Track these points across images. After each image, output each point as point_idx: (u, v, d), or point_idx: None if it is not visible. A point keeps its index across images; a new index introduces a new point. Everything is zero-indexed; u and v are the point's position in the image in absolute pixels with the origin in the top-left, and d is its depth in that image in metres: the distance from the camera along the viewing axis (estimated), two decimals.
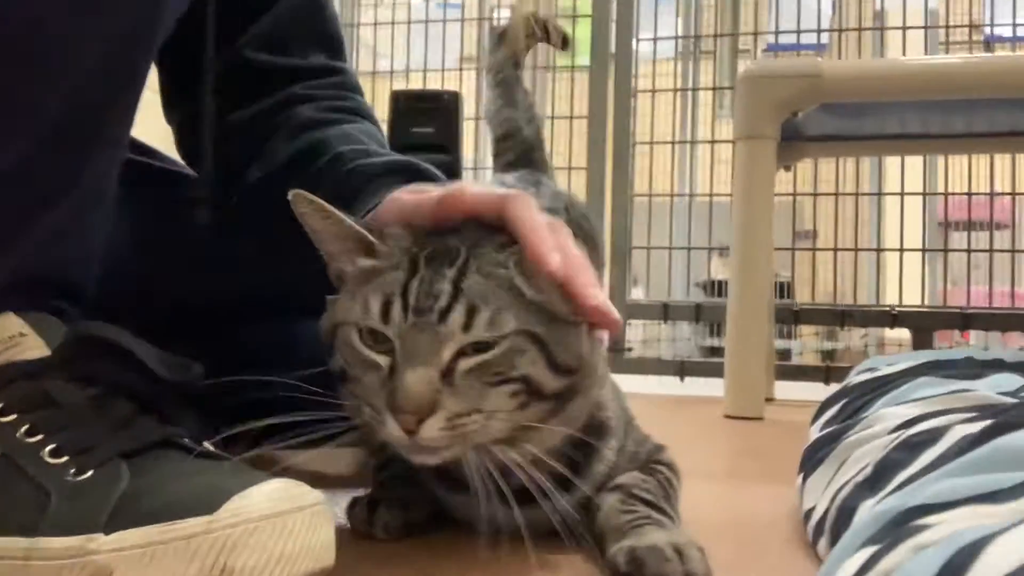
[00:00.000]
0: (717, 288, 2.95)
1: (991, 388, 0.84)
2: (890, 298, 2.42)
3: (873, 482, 0.60)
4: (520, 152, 1.13)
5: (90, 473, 0.52)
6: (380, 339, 0.59)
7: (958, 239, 2.60)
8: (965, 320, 1.96)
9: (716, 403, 1.63)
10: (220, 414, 0.64)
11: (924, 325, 2.05)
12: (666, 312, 2.26)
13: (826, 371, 2.03)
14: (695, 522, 0.64)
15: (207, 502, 0.49)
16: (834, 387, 2.00)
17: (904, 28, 2.50)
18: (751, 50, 3.04)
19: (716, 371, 1.99)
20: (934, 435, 0.61)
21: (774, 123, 1.52)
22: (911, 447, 0.61)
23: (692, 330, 3.31)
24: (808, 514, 0.72)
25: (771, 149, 1.53)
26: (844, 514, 0.61)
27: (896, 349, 2.50)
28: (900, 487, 0.54)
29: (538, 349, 0.58)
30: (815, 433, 1.10)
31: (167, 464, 0.54)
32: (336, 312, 0.63)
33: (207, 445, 0.59)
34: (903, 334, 2.78)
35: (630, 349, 2.47)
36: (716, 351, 2.86)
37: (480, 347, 0.57)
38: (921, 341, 2.03)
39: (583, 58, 2.47)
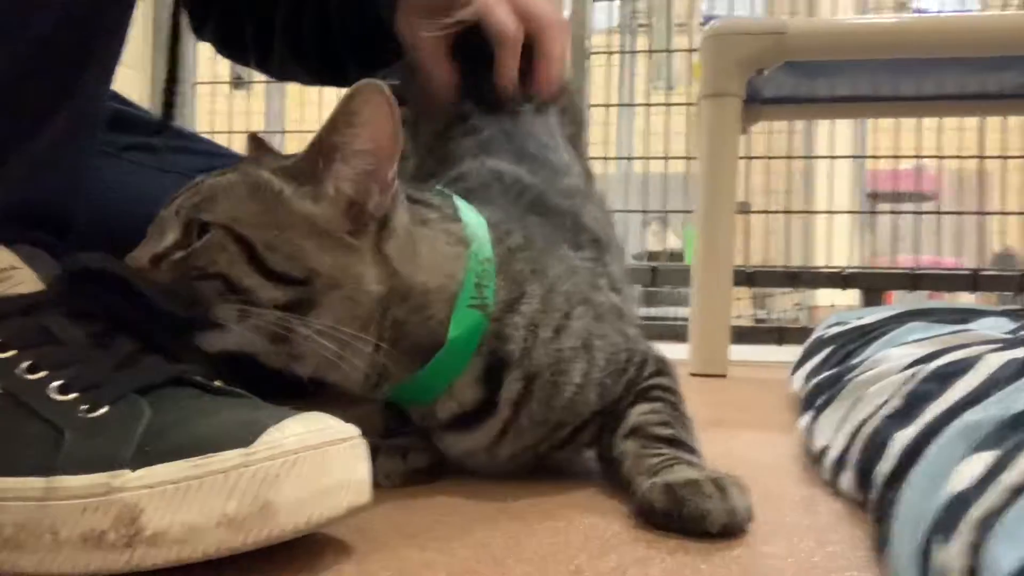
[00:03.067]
0: (651, 259, 2.95)
1: (986, 329, 0.85)
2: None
3: (905, 414, 0.60)
4: None
5: (105, 409, 0.48)
6: None
7: (886, 210, 2.68)
8: (914, 280, 2.00)
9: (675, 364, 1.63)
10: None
11: (875, 286, 2.08)
12: None
13: (779, 332, 2.05)
14: None
15: (241, 435, 0.46)
16: (787, 348, 2.03)
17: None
18: (687, 23, 3.06)
19: (666, 334, 1.99)
20: (964, 365, 0.60)
21: (739, 81, 1.51)
22: (942, 378, 0.60)
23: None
24: (822, 452, 0.72)
25: (736, 107, 1.52)
26: (874, 447, 0.60)
27: (832, 312, 2.56)
28: (945, 416, 0.53)
29: (242, 251, 0.57)
30: (799, 381, 1.11)
31: (187, 400, 0.50)
32: None
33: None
34: (835, 300, 2.84)
35: None
36: (652, 319, 2.86)
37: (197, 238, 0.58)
38: (871, 303, 2.06)
39: None
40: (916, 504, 0.36)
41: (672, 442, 0.63)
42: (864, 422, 0.65)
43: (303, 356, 0.60)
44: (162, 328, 0.56)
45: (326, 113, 0.62)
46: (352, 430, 0.50)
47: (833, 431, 0.72)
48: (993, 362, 0.57)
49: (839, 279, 2.04)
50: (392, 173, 0.60)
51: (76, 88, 0.59)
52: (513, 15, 0.79)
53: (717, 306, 1.55)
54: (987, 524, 0.30)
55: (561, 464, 0.74)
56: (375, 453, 0.68)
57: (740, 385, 1.46)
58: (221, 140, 2.37)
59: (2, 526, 0.44)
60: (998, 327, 0.90)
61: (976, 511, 0.31)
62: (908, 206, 2.64)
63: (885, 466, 0.57)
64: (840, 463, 0.66)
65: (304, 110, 2.56)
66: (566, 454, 0.70)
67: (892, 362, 0.73)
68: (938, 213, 2.34)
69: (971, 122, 2.49)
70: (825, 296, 3.16)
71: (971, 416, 0.39)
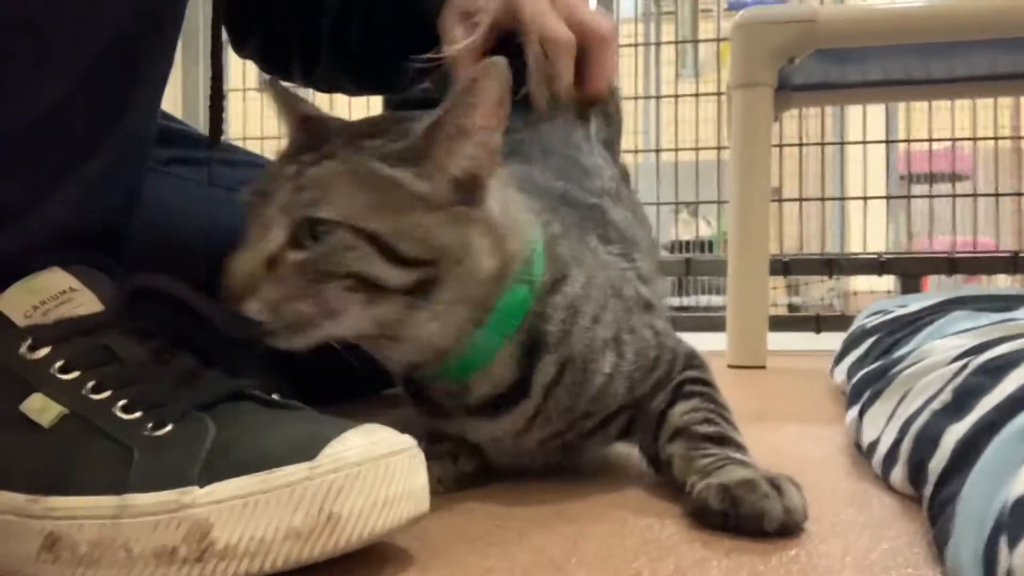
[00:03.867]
0: (682, 248, 2.95)
1: None
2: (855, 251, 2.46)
3: (955, 408, 0.60)
4: None
5: (170, 427, 0.49)
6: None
7: (921, 192, 2.65)
8: (952, 265, 1.98)
9: (712, 355, 1.63)
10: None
11: (912, 271, 2.07)
12: None
13: (817, 320, 2.04)
14: None
15: (304, 448, 0.47)
16: (826, 336, 2.02)
17: None
18: (713, 9, 3.04)
19: (699, 325, 1.99)
20: (1015, 358, 0.60)
21: (770, 70, 1.50)
22: (991, 371, 0.60)
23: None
24: (872, 446, 0.72)
25: (768, 96, 1.52)
26: (925, 442, 0.60)
27: (869, 299, 2.55)
28: (998, 410, 0.53)
29: (370, 245, 0.56)
30: (842, 373, 1.10)
31: (248, 415, 0.51)
32: None
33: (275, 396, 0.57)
34: (871, 285, 2.81)
35: None
36: (683, 309, 2.85)
37: (311, 236, 0.56)
38: (908, 288, 2.05)
39: None
40: (978, 504, 0.36)
41: (718, 440, 0.64)
42: (914, 416, 0.65)
43: (404, 339, 0.60)
44: (219, 343, 0.58)
45: (356, 112, 0.62)
46: (409, 440, 0.51)
47: (882, 425, 0.72)
48: None
49: (876, 265, 2.02)
50: (499, 136, 0.60)
51: (127, 109, 0.60)
52: (564, 24, 0.81)
53: (754, 297, 1.54)
54: None
55: (606, 463, 0.75)
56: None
57: (780, 376, 1.46)
58: (254, 145, 2.40)
59: (78, 544, 0.46)
60: None
61: None
62: (943, 187, 2.61)
63: (938, 462, 0.57)
64: (891, 458, 0.66)
65: (333, 109, 2.58)
66: (593, 445, 0.71)
67: (939, 354, 0.73)
68: (975, 195, 2.31)
69: (1006, 100, 2.45)
70: (861, 282, 3.13)
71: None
